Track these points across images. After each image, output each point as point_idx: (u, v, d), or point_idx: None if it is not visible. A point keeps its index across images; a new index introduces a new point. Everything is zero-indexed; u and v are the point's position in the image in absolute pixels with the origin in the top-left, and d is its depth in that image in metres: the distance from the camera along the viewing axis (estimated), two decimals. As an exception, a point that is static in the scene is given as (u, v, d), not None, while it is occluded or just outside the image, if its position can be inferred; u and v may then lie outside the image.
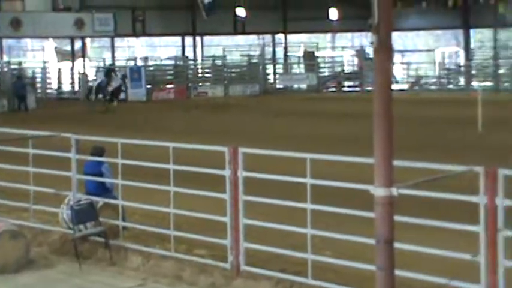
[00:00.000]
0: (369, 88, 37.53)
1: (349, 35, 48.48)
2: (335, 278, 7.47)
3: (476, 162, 6.75)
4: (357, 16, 39.97)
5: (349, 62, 46.65)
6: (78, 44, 41.56)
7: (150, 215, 10.00)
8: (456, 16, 44.05)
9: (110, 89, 31.95)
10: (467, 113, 23.24)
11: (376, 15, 5.35)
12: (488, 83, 40.92)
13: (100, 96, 32.36)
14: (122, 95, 34.19)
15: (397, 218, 5.87)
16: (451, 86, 42.79)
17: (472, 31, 45.15)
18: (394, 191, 5.49)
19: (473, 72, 43.74)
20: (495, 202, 6.28)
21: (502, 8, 40.88)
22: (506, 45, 44.27)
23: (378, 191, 5.49)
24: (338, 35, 48.34)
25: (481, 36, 46.28)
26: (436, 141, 20.07)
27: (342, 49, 48.48)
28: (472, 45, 45.44)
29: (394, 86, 39.02)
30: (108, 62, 41.12)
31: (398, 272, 5.83)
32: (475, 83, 40.98)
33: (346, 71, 45.76)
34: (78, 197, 9.68)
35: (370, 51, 38.42)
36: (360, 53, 44.21)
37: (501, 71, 41.82)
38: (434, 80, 44.02)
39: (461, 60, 45.45)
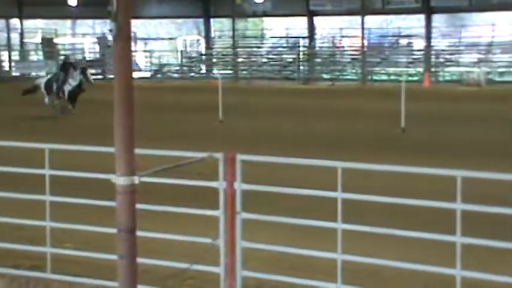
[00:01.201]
0: (112, 76, 37.25)
1: (90, 21, 47.68)
2: (77, 270, 7.28)
3: (217, 149, 6.91)
4: (98, 2, 39.23)
5: (91, 49, 45.95)
6: None
7: None
8: (197, 5, 45.07)
9: (67, 87, 24.33)
10: (208, 101, 23.90)
11: (114, 2, 5.26)
12: (228, 71, 42.46)
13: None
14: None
15: (141, 206, 5.84)
16: (192, 74, 43.79)
17: (212, 20, 46.43)
18: (136, 179, 5.45)
19: (214, 60, 45.14)
20: (234, 187, 6.49)
21: (239, -1, 42.55)
22: (244, 34, 46.19)
23: (119, 180, 5.41)
24: (78, 21, 47.35)
25: (220, 26, 47.76)
26: (180, 129, 20.42)
27: (83, 36, 47.59)
28: (213, 34, 46.78)
29: (137, 74, 39.55)
30: None
31: (141, 260, 5.81)
32: (215, 71, 42.32)
33: (88, 59, 45.04)
34: None
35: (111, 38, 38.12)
36: (102, 40, 43.74)
37: (239, 60, 43.54)
38: (177, 68, 44.78)
39: (203, 48, 46.63)
